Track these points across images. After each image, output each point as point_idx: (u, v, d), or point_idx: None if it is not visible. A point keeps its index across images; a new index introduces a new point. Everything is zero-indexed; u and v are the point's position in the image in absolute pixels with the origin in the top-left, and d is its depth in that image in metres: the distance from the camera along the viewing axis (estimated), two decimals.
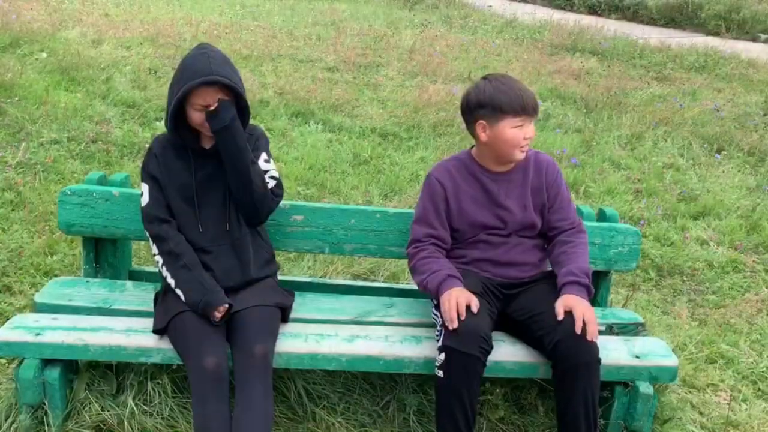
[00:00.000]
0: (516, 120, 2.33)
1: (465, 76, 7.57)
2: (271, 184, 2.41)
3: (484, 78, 2.41)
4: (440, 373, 2.20)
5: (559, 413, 2.26)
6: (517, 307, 2.42)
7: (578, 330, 2.16)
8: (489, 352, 2.21)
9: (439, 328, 2.29)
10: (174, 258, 2.27)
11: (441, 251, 2.44)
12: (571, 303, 2.22)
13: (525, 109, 2.32)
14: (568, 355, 2.19)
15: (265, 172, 2.40)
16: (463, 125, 2.54)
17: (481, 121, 2.37)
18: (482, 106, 2.35)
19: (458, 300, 2.19)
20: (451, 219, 2.47)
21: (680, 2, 12.63)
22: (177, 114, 2.25)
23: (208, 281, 2.25)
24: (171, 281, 2.27)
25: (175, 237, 2.30)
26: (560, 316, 2.21)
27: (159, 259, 2.31)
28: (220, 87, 2.20)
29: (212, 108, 2.21)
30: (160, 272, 2.34)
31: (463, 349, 2.15)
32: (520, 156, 2.40)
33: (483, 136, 2.39)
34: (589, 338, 2.17)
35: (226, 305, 2.21)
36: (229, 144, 2.25)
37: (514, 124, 2.34)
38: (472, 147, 2.55)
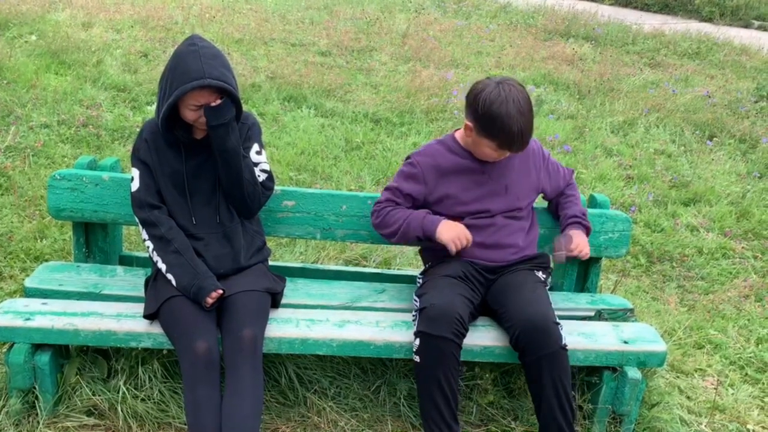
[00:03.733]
0: (496, 148, 2.33)
1: (458, 62, 7.55)
2: (262, 177, 2.41)
3: (499, 83, 2.29)
4: (417, 358, 2.23)
5: (535, 404, 2.28)
6: (492, 295, 2.44)
7: (575, 253, 2.43)
8: (464, 335, 2.22)
9: (414, 313, 2.32)
10: (165, 243, 2.27)
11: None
12: (572, 233, 2.49)
13: (510, 148, 2.32)
14: (531, 347, 2.21)
15: (256, 164, 2.40)
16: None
17: (469, 124, 2.36)
18: (476, 114, 2.31)
19: (458, 230, 2.35)
20: (433, 204, 2.47)
21: None
22: (168, 114, 2.24)
23: (200, 266, 2.25)
24: (162, 266, 2.27)
25: (166, 222, 2.30)
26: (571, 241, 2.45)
27: (149, 244, 2.30)
28: (215, 88, 2.19)
29: (214, 104, 2.20)
30: (150, 257, 2.33)
31: (437, 332, 2.17)
32: (491, 161, 2.44)
33: (467, 133, 2.41)
34: (577, 254, 2.44)
35: (219, 291, 2.21)
36: (223, 141, 2.24)
37: (494, 149, 2.35)
38: (456, 130, 2.55)
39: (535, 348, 2.21)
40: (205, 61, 2.16)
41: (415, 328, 2.25)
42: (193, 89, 2.14)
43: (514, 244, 2.49)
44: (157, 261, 2.28)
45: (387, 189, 2.51)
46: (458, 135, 2.52)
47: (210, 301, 2.20)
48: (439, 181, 2.46)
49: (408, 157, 2.52)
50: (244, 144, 2.37)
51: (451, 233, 2.34)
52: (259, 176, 2.39)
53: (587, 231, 2.58)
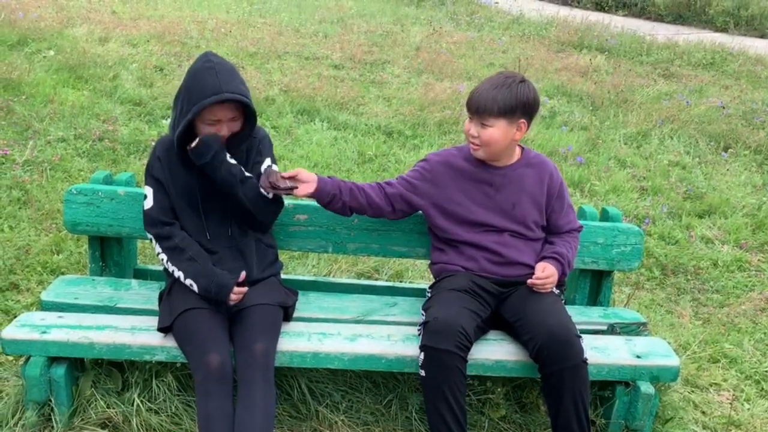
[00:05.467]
0: (468, 114, 2.43)
1: (471, 74, 7.57)
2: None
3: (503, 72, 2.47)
4: (422, 372, 2.22)
5: (551, 417, 2.27)
6: (507, 308, 2.43)
7: (530, 282, 2.37)
8: (468, 348, 2.22)
9: (419, 327, 2.33)
10: (179, 252, 2.29)
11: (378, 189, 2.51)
12: (542, 264, 2.41)
13: (468, 107, 2.41)
14: (553, 359, 2.21)
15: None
16: None
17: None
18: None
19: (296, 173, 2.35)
20: (439, 207, 2.49)
21: None
22: (185, 131, 2.27)
23: (217, 269, 2.28)
24: (179, 274, 2.29)
25: (179, 234, 2.33)
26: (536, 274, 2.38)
27: (163, 256, 2.33)
28: (232, 102, 2.22)
29: (193, 145, 2.24)
30: (165, 269, 2.36)
31: (440, 346, 2.17)
32: (473, 150, 2.46)
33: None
34: (530, 283, 2.37)
35: (243, 289, 2.25)
36: (214, 176, 2.29)
37: (468, 118, 2.44)
38: None
39: (558, 360, 2.20)
40: (222, 76, 2.19)
41: (420, 342, 2.26)
42: (212, 104, 2.17)
43: (527, 263, 2.47)
44: (173, 270, 2.31)
45: (399, 176, 2.58)
46: None
47: (234, 296, 2.23)
48: (447, 183, 2.48)
49: (427, 158, 2.58)
50: (254, 158, 2.40)
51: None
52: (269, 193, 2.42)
53: (562, 273, 2.45)
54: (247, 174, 2.33)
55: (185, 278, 2.28)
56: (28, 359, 2.30)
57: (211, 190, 2.35)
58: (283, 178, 2.28)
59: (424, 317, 2.33)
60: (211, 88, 2.16)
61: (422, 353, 2.22)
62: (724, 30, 11.76)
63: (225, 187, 2.30)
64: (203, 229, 2.36)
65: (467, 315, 2.28)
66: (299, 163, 4.83)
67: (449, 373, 2.18)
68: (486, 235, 2.47)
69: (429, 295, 2.51)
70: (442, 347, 2.17)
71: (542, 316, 2.29)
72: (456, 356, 2.18)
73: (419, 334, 2.30)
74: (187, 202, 2.35)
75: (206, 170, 2.28)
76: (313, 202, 2.73)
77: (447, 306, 2.29)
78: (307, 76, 6.90)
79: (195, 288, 2.27)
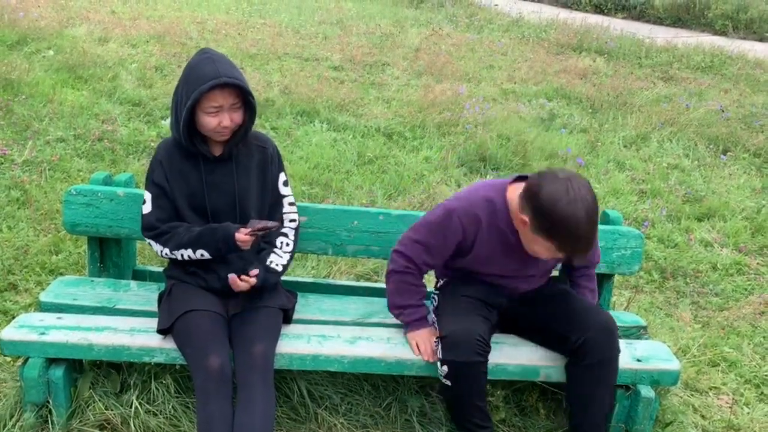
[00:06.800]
0: (554, 250, 2.10)
1: (471, 76, 7.57)
2: (292, 215, 2.46)
3: (567, 178, 2.02)
4: (448, 382, 2.25)
5: (582, 405, 2.31)
6: (531, 308, 2.42)
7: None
8: (488, 352, 2.24)
9: (436, 339, 2.32)
10: (175, 236, 2.28)
11: (422, 276, 2.43)
12: None
13: (571, 254, 2.08)
14: (601, 348, 2.25)
15: (284, 196, 2.44)
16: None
17: (524, 218, 2.11)
18: (536, 210, 2.04)
19: (422, 346, 2.34)
20: (463, 261, 2.35)
21: (687, 1, 12.59)
22: (187, 122, 2.26)
23: (215, 225, 2.27)
24: (188, 253, 2.27)
25: (169, 224, 2.32)
26: None
27: (165, 250, 2.30)
28: (231, 88, 2.20)
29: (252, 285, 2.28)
30: (171, 263, 2.37)
31: (463, 358, 2.19)
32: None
33: (519, 225, 2.19)
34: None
35: (247, 234, 2.21)
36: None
37: (549, 250, 2.12)
38: (513, 180, 2.29)
39: (605, 349, 2.27)
40: (219, 65, 2.19)
41: (439, 354, 2.25)
42: (211, 89, 2.15)
43: (536, 274, 2.44)
44: (181, 255, 2.28)
45: (414, 241, 2.32)
46: (510, 195, 2.25)
47: (243, 237, 2.20)
48: (477, 246, 2.30)
49: (450, 212, 2.28)
50: (272, 173, 2.41)
51: (412, 343, 2.37)
52: (287, 212, 2.45)
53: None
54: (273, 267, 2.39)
55: (195, 251, 2.26)
56: (26, 360, 2.29)
57: (217, 189, 2.34)
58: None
59: (435, 325, 2.34)
60: (209, 74, 2.16)
61: (445, 366, 2.22)
62: (723, 33, 11.78)
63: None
64: None
65: (481, 322, 2.28)
66: (298, 164, 4.83)
67: (474, 381, 2.23)
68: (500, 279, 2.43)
69: (437, 298, 2.50)
70: (465, 359, 2.19)
71: (587, 311, 2.33)
72: (479, 364, 2.21)
73: (436, 345, 2.29)
74: (193, 204, 2.33)
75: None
76: (313, 204, 2.73)
77: (461, 316, 2.27)
78: (306, 78, 6.90)
79: (207, 255, 2.26)
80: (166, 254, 2.33)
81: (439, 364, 2.25)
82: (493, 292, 2.42)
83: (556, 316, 2.36)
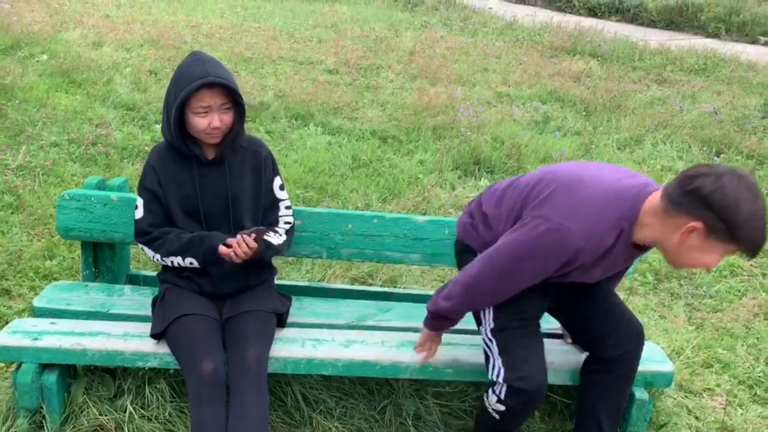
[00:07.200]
0: (732, 251, 1.85)
1: (465, 79, 7.59)
2: (287, 218, 2.45)
3: (739, 177, 1.81)
4: (495, 416, 2.20)
5: (599, 410, 2.31)
6: (574, 301, 2.32)
7: None
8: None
9: (497, 359, 2.18)
10: (166, 242, 2.28)
11: None
12: None
13: (752, 254, 1.83)
14: (632, 362, 2.29)
15: (281, 200, 2.44)
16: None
17: (696, 225, 1.81)
18: (715, 212, 1.77)
19: (432, 348, 2.31)
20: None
21: (680, 4, 12.65)
22: (177, 122, 2.26)
23: (204, 233, 2.27)
24: (177, 260, 2.27)
25: (161, 229, 2.32)
26: None
27: (157, 255, 2.30)
28: (220, 88, 2.20)
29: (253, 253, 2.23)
30: (163, 267, 2.37)
31: (528, 408, 2.19)
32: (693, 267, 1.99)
33: (680, 238, 1.84)
34: None
35: (231, 244, 2.20)
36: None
37: (726, 252, 1.85)
38: (645, 196, 1.95)
39: (635, 364, 2.30)
40: (209, 65, 2.19)
41: (501, 395, 2.15)
42: (199, 88, 2.15)
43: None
44: (171, 261, 2.29)
45: (507, 279, 2.03)
46: (649, 209, 1.93)
47: (225, 251, 2.19)
48: (582, 270, 2.04)
49: (567, 237, 1.91)
50: (265, 177, 2.40)
51: (432, 345, 2.33)
52: (283, 215, 2.44)
53: None
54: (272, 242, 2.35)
55: (184, 259, 2.26)
56: (19, 366, 2.28)
57: (209, 193, 2.34)
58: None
59: (495, 347, 2.19)
60: (198, 74, 2.16)
61: (501, 405, 2.17)
62: (716, 36, 11.85)
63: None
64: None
65: (544, 358, 2.20)
66: (293, 167, 4.83)
67: (525, 417, 2.28)
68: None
69: (493, 322, 2.19)
70: (529, 409, 2.20)
71: (624, 316, 2.31)
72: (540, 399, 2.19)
73: (493, 366, 2.19)
74: (186, 208, 2.33)
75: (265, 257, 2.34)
76: (307, 207, 2.73)
77: (531, 360, 2.14)
78: (301, 81, 6.90)
79: (196, 263, 2.26)
80: (158, 260, 2.33)
81: (494, 398, 2.17)
82: (555, 287, 2.20)
83: (597, 316, 2.31)
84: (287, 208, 2.45)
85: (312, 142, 5.34)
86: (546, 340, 2.39)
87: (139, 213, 2.33)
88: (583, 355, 2.40)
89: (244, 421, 2.07)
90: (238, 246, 2.19)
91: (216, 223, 2.33)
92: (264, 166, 2.40)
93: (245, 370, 2.14)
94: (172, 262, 2.30)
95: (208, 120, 2.22)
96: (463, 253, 2.32)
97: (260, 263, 2.41)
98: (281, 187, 2.44)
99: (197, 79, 2.15)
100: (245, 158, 2.38)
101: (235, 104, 2.26)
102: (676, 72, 8.83)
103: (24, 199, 3.92)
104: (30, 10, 8.48)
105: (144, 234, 2.32)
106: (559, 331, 2.59)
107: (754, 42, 11.62)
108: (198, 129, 2.24)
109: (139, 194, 2.35)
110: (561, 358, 2.44)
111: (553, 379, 2.39)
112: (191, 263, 2.27)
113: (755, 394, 3.00)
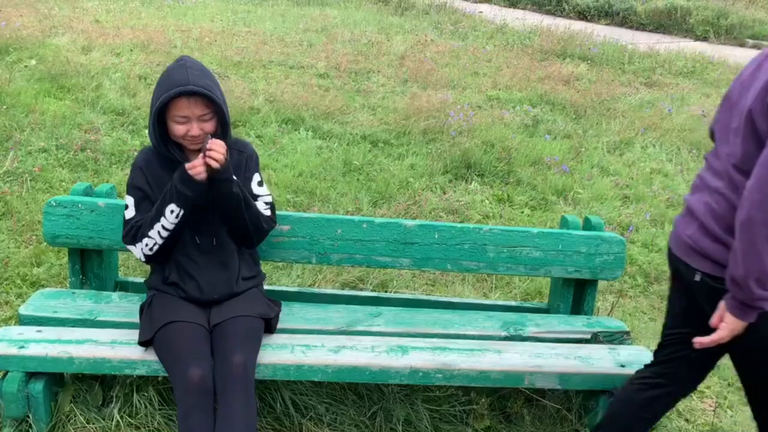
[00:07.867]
0: None
1: (456, 83, 7.60)
2: (266, 211, 2.40)
3: None
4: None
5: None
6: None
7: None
8: None
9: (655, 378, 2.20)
10: (145, 220, 2.25)
11: None
12: None
13: None
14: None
15: (258, 197, 2.39)
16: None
17: None
18: None
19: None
20: None
21: (669, 8, 12.74)
22: (160, 127, 2.24)
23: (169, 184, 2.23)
24: (161, 223, 2.21)
25: (137, 220, 2.29)
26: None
27: (144, 243, 2.25)
28: (200, 97, 2.18)
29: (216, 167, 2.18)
30: (152, 271, 2.37)
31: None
32: None
33: None
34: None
35: (198, 161, 2.16)
36: (228, 191, 2.23)
37: None
38: None
39: None
40: (191, 72, 2.17)
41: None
42: (178, 96, 2.13)
43: None
44: (159, 231, 2.22)
45: None
46: None
47: (192, 165, 2.15)
48: None
49: None
50: (244, 174, 2.37)
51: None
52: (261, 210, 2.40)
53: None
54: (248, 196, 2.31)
55: (166, 216, 2.20)
56: (5, 375, 2.26)
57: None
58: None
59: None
60: (177, 81, 2.14)
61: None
62: (704, 39, 11.93)
63: (230, 205, 2.25)
64: (191, 236, 2.32)
65: None
66: (283, 172, 4.81)
67: None
68: None
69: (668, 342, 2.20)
70: None
71: None
72: None
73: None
74: None
75: (221, 188, 2.22)
76: (297, 212, 2.72)
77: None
78: (291, 86, 6.89)
79: (178, 209, 2.19)
80: (146, 251, 2.27)
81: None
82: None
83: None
84: (267, 203, 2.41)
85: (303, 147, 5.33)
86: (539, 344, 2.40)
87: (130, 212, 2.31)
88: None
89: (230, 426, 2.05)
90: (209, 151, 2.15)
91: (201, 225, 2.32)
92: (245, 165, 2.39)
93: (231, 376, 2.12)
94: (159, 234, 2.22)
95: (187, 128, 2.21)
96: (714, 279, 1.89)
97: (247, 268, 2.40)
98: (260, 183, 2.41)
99: (177, 86, 2.13)
100: (230, 158, 2.37)
101: (217, 112, 2.25)
102: (665, 75, 8.88)
103: (12, 206, 3.89)
104: (19, 15, 8.44)
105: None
106: (559, 335, 2.59)
107: (742, 45, 11.71)
108: (177, 135, 2.23)
109: (129, 193, 2.33)
110: (550, 362, 2.44)
111: (541, 382, 2.39)
112: (175, 213, 2.20)
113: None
